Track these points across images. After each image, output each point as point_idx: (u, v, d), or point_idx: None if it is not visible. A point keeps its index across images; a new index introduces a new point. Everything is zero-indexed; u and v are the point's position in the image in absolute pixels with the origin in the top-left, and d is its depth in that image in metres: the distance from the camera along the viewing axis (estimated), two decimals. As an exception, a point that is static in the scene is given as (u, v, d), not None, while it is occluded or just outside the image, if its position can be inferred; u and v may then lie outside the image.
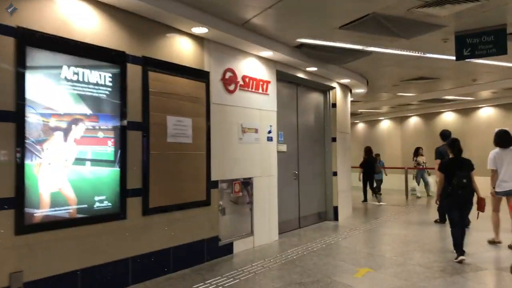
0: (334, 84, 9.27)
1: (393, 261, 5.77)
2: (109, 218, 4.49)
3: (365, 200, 12.66)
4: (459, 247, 5.71)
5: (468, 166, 5.85)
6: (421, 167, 13.38)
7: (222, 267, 5.50)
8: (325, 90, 9.35)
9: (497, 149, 6.63)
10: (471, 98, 13.78)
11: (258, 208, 6.81)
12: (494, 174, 6.57)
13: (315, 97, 9.18)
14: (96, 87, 4.39)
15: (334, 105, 9.36)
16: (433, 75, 9.88)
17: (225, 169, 6.18)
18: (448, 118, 15.99)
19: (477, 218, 6.00)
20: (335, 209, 9.21)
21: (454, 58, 6.66)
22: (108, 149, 4.50)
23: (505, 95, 13.13)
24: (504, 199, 6.62)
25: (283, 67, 7.56)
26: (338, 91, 9.46)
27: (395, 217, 9.77)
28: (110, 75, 4.53)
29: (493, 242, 6.69)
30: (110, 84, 4.53)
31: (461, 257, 5.61)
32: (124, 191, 4.63)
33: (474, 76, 10.01)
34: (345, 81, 9.38)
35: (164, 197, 5.14)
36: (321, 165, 9.22)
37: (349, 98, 10.44)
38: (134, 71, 4.81)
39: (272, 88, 7.29)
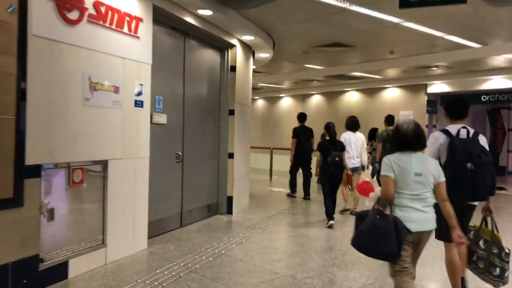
0: (234, 41, 7.22)
1: (308, 286, 3.98)
2: None
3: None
4: (329, 215, 6.58)
5: (340, 147, 6.78)
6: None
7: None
8: (223, 47, 7.26)
9: (347, 132, 7.44)
10: (379, 77, 12.77)
11: (115, 205, 4.57)
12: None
13: (210, 55, 7.05)
14: None
15: (233, 68, 7.32)
16: (350, 41, 8.33)
17: (57, 147, 3.83)
18: (352, 98, 15.00)
19: (350, 189, 7.24)
20: (229, 200, 7.29)
21: (385, 16, 5.00)
22: None
23: (413, 75, 12.31)
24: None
25: (164, 2, 5.30)
26: (239, 51, 7.44)
27: (300, 207, 8.17)
28: None
29: (344, 210, 7.62)
30: None
31: (331, 222, 6.50)
32: None
33: (392, 46, 8.66)
34: (248, 38, 7.38)
35: None
36: (213, 144, 7.18)
37: (252, 63, 8.50)
38: None
39: (146, 30, 5.00)
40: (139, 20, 4.85)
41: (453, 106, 3.76)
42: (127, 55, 4.69)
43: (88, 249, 4.24)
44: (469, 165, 3.34)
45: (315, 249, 5.28)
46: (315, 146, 9.46)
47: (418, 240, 2.98)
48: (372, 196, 3.15)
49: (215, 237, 5.71)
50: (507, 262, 3.37)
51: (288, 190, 9.74)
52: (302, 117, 9.54)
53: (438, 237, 3.48)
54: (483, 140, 3.56)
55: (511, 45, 8.21)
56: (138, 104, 4.91)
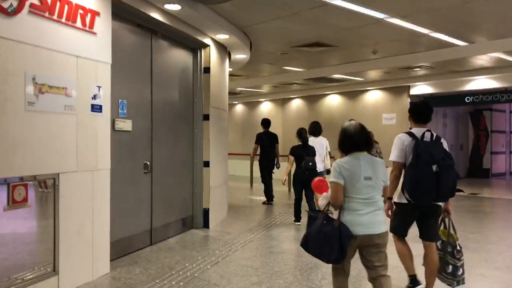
0: (207, 41, 6.68)
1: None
2: None
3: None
4: (298, 217, 7.14)
5: (312, 152, 7.03)
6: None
7: None
8: (195, 47, 6.71)
9: (310, 137, 7.42)
10: (360, 79, 12.38)
11: (69, 225, 3.96)
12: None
13: (181, 56, 6.49)
14: None
15: (207, 69, 6.78)
16: (331, 41, 7.87)
17: (-10, 160, 3.22)
18: (333, 101, 14.58)
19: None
20: (205, 212, 6.71)
21: (368, 11, 4.55)
22: None
23: (395, 77, 11.96)
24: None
25: (125, -5, 4.74)
26: (213, 52, 6.90)
27: (282, 218, 7.64)
28: None
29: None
30: None
31: (297, 223, 7.05)
32: None
33: (375, 45, 8.25)
34: (223, 37, 6.85)
35: None
36: (187, 152, 6.61)
37: (227, 65, 7.97)
38: None
39: (104, 26, 4.43)
40: (95, 13, 4.26)
41: (418, 110, 3.86)
42: (81, 53, 4.10)
43: (34, 279, 3.62)
44: (434, 167, 3.43)
45: (300, 268, 4.75)
46: (281, 151, 9.72)
47: (368, 243, 2.97)
48: (325, 195, 3.17)
49: (188, 256, 5.12)
50: (459, 259, 3.57)
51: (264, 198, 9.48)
52: (266, 123, 9.58)
53: (390, 230, 3.53)
54: (445, 144, 3.66)
55: (497, 42, 7.88)
56: (96, 108, 4.31)
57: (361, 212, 2.94)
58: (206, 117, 6.74)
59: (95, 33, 4.28)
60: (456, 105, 13.21)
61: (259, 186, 11.65)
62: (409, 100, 12.58)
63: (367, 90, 13.51)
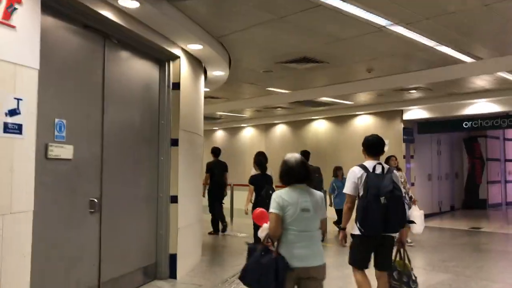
0: (177, 51, 5.60)
1: None
2: None
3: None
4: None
5: (271, 181, 6.85)
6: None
7: None
8: (163, 59, 5.62)
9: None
10: (350, 103, 11.44)
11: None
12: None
13: (144, 68, 5.39)
14: None
15: (176, 85, 5.67)
16: (321, 56, 6.89)
17: None
18: (320, 127, 13.59)
19: None
20: (172, 259, 5.48)
21: (369, 16, 3.65)
22: None
23: (387, 100, 11.06)
24: None
25: (62, -17, 3.65)
26: (185, 65, 5.82)
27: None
28: None
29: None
30: None
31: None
32: None
33: (371, 61, 7.29)
34: (195, 47, 5.78)
35: None
36: (150, 185, 5.41)
37: (203, 83, 6.89)
38: None
39: (29, 20, 3.31)
40: (13, 1, 3.14)
41: (370, 144, 4.02)
42: (-12, 50, 2.96)
43: None
44: (382, 199, 3.58)
45: None
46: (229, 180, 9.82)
47: (307, 275, 2.99)
48: (265, 226, 3.15)
49: (143, 324, 3.88)
50: None
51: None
52: (216, 151, 9.62)
53: (348, 262, 3.91)
54: (395, 176, 3.79)
55: (508, 59, 6.99)
56: (12, 129, 3.14)
57: (297, 244, 2.97)
58: (175, 142, 5.59)
59: (13, 27, 3.15)
60: (453, 131, 12.33)
61: (241, 220, 10.52)
62: (402, 125, 11.66)
63: (357, 115, 12.57)
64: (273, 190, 6.59)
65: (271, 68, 7.61)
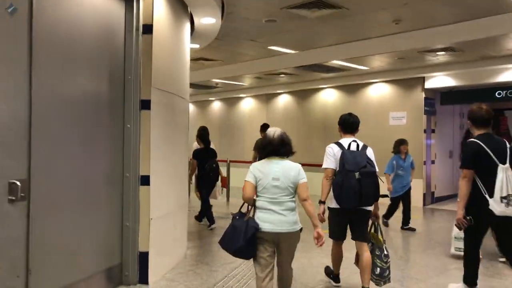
0: (148, -18, 4.13)
1: None
2: None
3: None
4: (210, 217, 6.99)
5: (214, 154, 7.21)
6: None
7: None
8: (128, -9, 4.16)
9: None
10: (364, 68, 9.95)
11: None
12: None
13: (101, 4, 3.92)
14: None
15: (148, 28, 4.22)
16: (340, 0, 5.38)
17: None
18: (328, 97, 12.12)
19: (222, 192, 8.40)
20: (143, 258, 4.16)
21: None
22: None
23: (407, 66, 9.59)
24: None
25: None
26: (160, 2, 4.36)
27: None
28: None
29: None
30: None
31: (213, 225, 6.89)
32: None
33: (404, 6, 5.78)
34: (174, -22, 4.30)
35: None
36: (110, 162, 4.03)
37: (187, 30, 5.43)
38: None
39: None
40: None
41: (346, 122, 4.18)
42: None
43: None
44: (356, 174, 3.78)
45: None
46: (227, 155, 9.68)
47: (277, 241, 3.21)
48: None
49: None
50: (386, 262, 3.96)
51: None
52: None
53: (329, 235, 4.08)
54: (370, 152, 4.00)
55: None
56: None
57: (270, 210, 3.19)
58: (146, 105, 4.19)
59: None
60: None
61: (238, 200, 9.22)
62: (423, 95, 10.20)
63: (371, 83, 11.07)
64: (216, 163, 7.16)
65: (276, 16, 6.10)
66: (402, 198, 7.20)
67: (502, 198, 3.62)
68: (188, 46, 5.52)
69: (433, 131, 10.61)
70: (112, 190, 4.04)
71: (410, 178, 7.24)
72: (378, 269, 3.94)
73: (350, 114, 4.22)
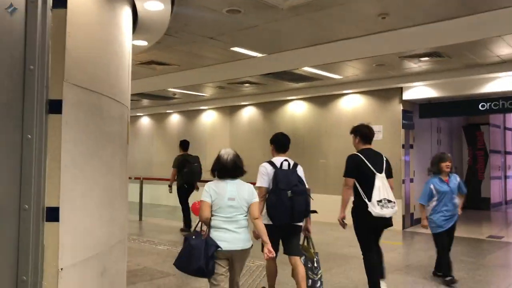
0: None
1: None
2: None
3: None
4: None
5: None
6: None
7: None
8: None
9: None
10: (338, 77, 9.04)
11: None
12: None
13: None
14: None
15: (61, 2, 3.01)
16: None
17: None
18: (297, 110, 11.16)
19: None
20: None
21: None
22: None
23: (383, 75, 8.72)
24: None
25: None
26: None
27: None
28: None
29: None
30: None
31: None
32: None
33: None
34: None
35: None
36: (2, 189, 2.76)
37: (127, 15, 4.26)
38: None
39: None
40: None
41: (279, 141, 4.57)
42: None
43: None
44: (289, 192, 4.09)
45: None
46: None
47: (231, 258, 3.45)
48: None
49: None
50: (316, 274, 4.33)
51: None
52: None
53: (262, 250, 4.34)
54: (300, 171, 4.38)
55: None
56: None
57: (225, 229, 3.40)
58: (56, 107, 2.97)
59: None
60: (465, 114, 10.15)
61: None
62: (401, 107, 9.37)
63: (344, 95, 10.20)
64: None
65: (240, 5, 5.03)
66: (447, 233, 5.41)
67: (378, 201, 4.23)
68: (128, 36, 4.34)
69: (411, 146, 9.78)
70: (2, 230, 2.77)
71: (459, 205, 5.45)
72: (310, 281, 4.29)
73: (282, 134, 4.61)
